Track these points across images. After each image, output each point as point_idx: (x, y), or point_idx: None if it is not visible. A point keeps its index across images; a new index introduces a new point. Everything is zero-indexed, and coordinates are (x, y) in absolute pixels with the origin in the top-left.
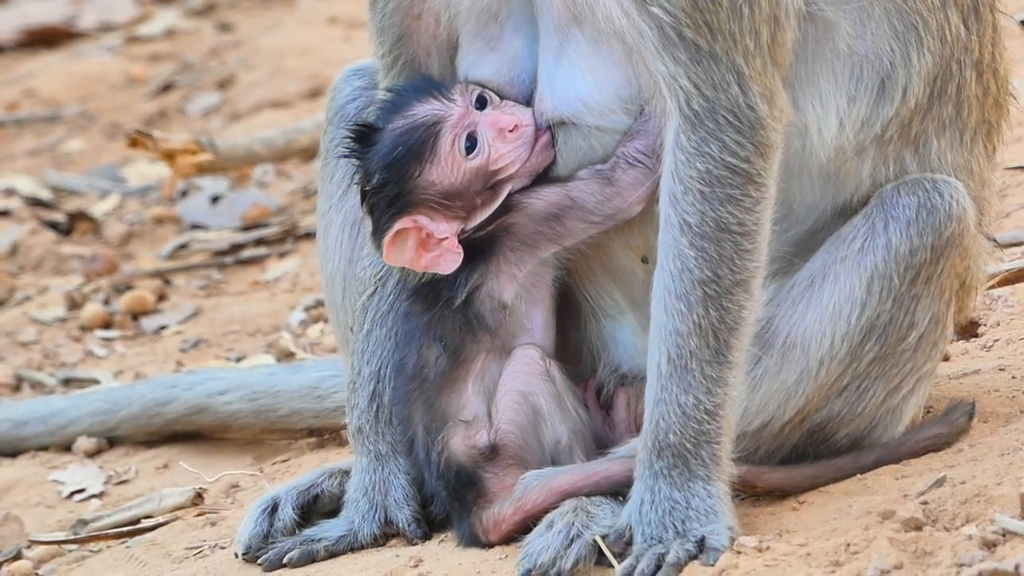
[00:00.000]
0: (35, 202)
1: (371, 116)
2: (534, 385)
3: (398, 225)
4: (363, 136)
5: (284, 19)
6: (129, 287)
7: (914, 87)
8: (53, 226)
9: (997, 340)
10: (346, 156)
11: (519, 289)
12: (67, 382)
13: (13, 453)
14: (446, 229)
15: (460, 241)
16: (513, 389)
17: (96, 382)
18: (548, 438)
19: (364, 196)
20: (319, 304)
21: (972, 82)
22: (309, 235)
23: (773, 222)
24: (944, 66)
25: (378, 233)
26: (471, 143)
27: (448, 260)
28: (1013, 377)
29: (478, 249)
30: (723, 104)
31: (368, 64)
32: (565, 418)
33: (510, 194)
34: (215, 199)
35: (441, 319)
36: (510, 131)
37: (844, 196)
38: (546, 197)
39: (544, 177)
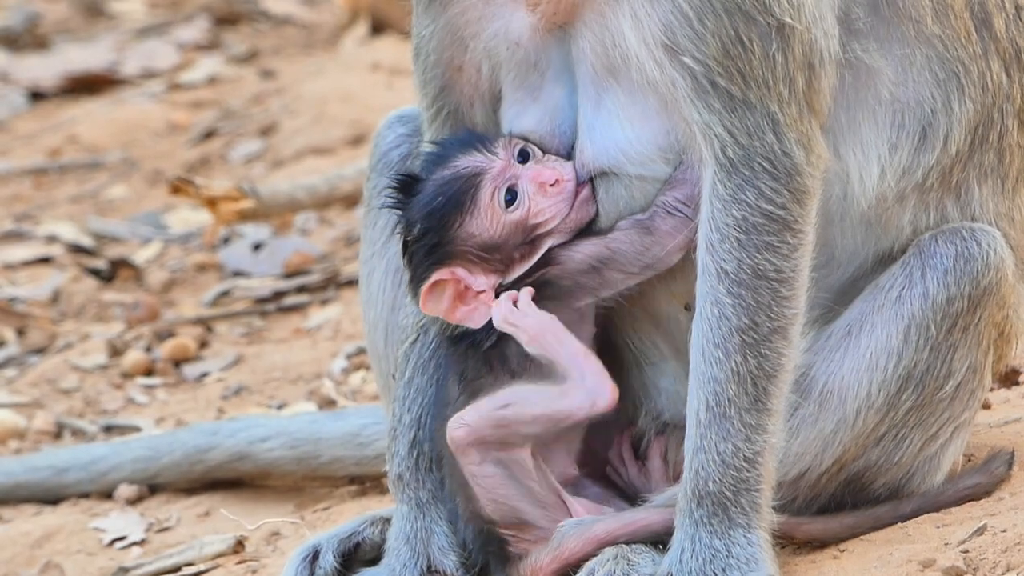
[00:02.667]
0: (77, 249)
1: (415, 166)
2: (476, 454)
3: (436, 276)
4: (406, 186)
5: (326, 66)
6: (171, 334)
7: (955, 135)
8: (95, 273)
9: None
10: (389, 207)
11: None
12: (108, 429)
13: (54, 500)
14: (483, 283)
15: (500, 288)
16: (473, 478)
17: (137, 429)
18: (531, 484)
19: (405, 246)
20: (361, 352)
21: (1014, 130)
22: (351, 282)
23: (813, 269)
24: (986, 114)
25: (416, 282)
26: (512, 196)
27: (482, 314)
28: None
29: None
30: (758, 151)
31: (411, 111)
32: (517, 427)
33: (549, 249)
34: (257, 246)
35: (465, 356)
36: (551, 185)
37: (885, 243)
38: (585, 250)
39: (586, 231)
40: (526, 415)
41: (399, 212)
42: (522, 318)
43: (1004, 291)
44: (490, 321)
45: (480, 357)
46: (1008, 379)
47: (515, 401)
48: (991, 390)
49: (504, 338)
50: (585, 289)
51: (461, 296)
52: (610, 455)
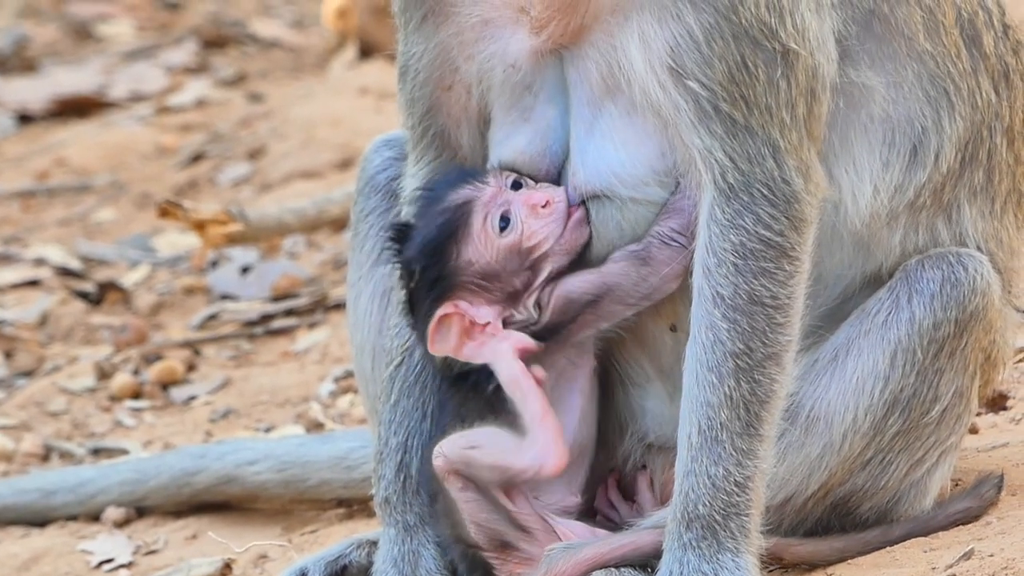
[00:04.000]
0: (65, 272)
1: (405, 208)
2: (458, 481)
3: (441, 311)
4: (402, 235)
5: (315, 89)
6: (159, 357)
7: (946, 152)
8: (83, 296)
9: None
10: (389, 262)
11: (555, 375)
12: (96, 452)
13: (42, 523)
14: (488, 314)
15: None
16: (458, 503)
17: (125, 452)
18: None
19: (409, 295)
20: (349, 375)
21: (1003, 148)
22: (339, 306)
23: (805, 296)
24: (975, 132)
25: (422, 323)
26: (504, 222)
27: (491, 349)
28: None
29: None
30: (758, 178)
31: (398, 135)
32: (484, 472)
33: (548, 280)
34: (245, 269)
35: (467, 400)
36: (543, 207)
37: (874, 264)
38: (582, 284)
39: (582, 256)
40: (486, 461)
41: (399, 263)
42: (501, 361)
43: (990, 316)
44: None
45: (483, 401)
46: (995, 403)
47: (483, 444)
48: (978, 415)
49: None
50: (585, 323)
51: (467, 331)
52: (597, 504)
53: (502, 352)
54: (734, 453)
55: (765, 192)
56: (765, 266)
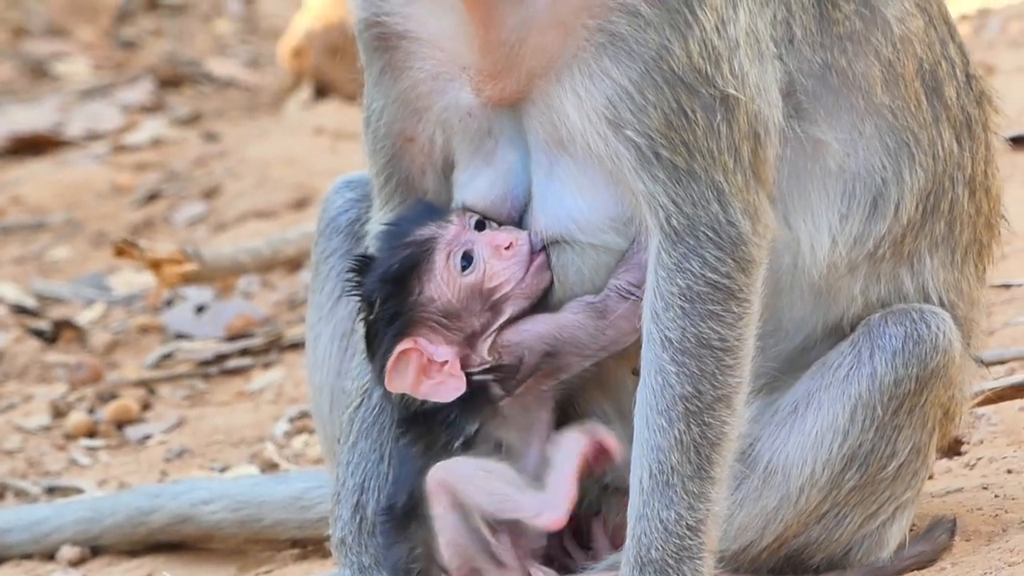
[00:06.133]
0: (20, 310)
1: (370, 246)
2: (444, 497)
3: (400, 346)
4: (363, 267)
5: (270, 129)
6: (114, 396)
7: (907, 204)
8: (38, 334)
9: (980, 458)
10: (348, 293)
11: (517, 428)
12: (51, 490)
13: None
14: (446, 352)
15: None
16: (437, 520)
17: (80, 491)
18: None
19: (368, 327)
20: (303, 415)
21: (964, 199)
22: (294, 346)
23: (760, 338)
24: (937, 183)
25: (380, 359)
26: (467, 261)
27: (448, 388)
28: (996, 496)
29: (473, 392)
30: (703, 221)
31: (360, 176)
32: (479, 497)
33: (506, 323)
34: (200, 309)
35: (427, 443)
36: (506, 248)
37: (835, 314)
38: (539, 332)
39: (542, 301)
40: (491, 488)
41: (358, 295)
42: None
43: (951, 372)
44: (456, 420)
45: (444, 446)
46: (950, 449)
47: (495, 472)
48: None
49: (473, 438)
50: (543, 372)
51: (425, 369)
52: (552, 552)
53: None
54: (686, 496)
55: (711, 235)
56: (712, 309)
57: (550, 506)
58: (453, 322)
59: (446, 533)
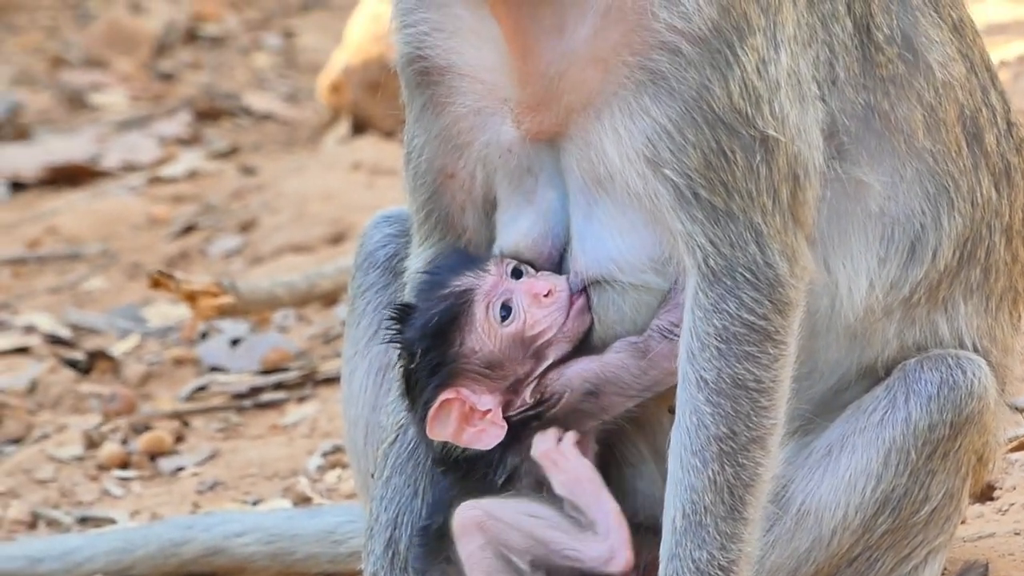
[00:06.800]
0: (55, 340)
1: (407, 290)
2: (480, 538)
3: (442, 396)
4: (403, 315)
5: (307, 163)
6: (147, 427)
7: (944, 250)
8: (72, 364)
9: (1013, 504)
10: (388, 341)
11: None
12: (83, 520)
13: None
14: (489, 401)
15: (506, 419)
16: (468, 560)
17: (112, 521)
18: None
19: (408, 376)
20: (337, 450)
21: (1001, 247)
22: (329, 380)
23: (795, 379)
24: (974, 230)
25: (422, 407)
26: (506, 311)
27: (490, 435)
28: None
29: (517, 427)
30: (741, 262)
31: (398, 211)
32: (524, 542)
33: (550, 368)
34: (235, 342)
35: (474, 492)
36: (545, 296)
37: (870, 356)
38: (582, 373)
39: (584, 342)
40: (543, 534)
41: (399, 344)
42: (563, 459)
43: (986, 419)
44: (498, 457)
45: (490, 494)
46: (983, 494)
47: (541, 515)
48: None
49: (514, 474)
50: (586, 413)
51: (467, 418)
52: None
53: (565, 450)
54: (718, 537)
55: (748, 276)
56: (748, 350)
57: (616, 549)
58: (496, 371)
59: (478, 573)
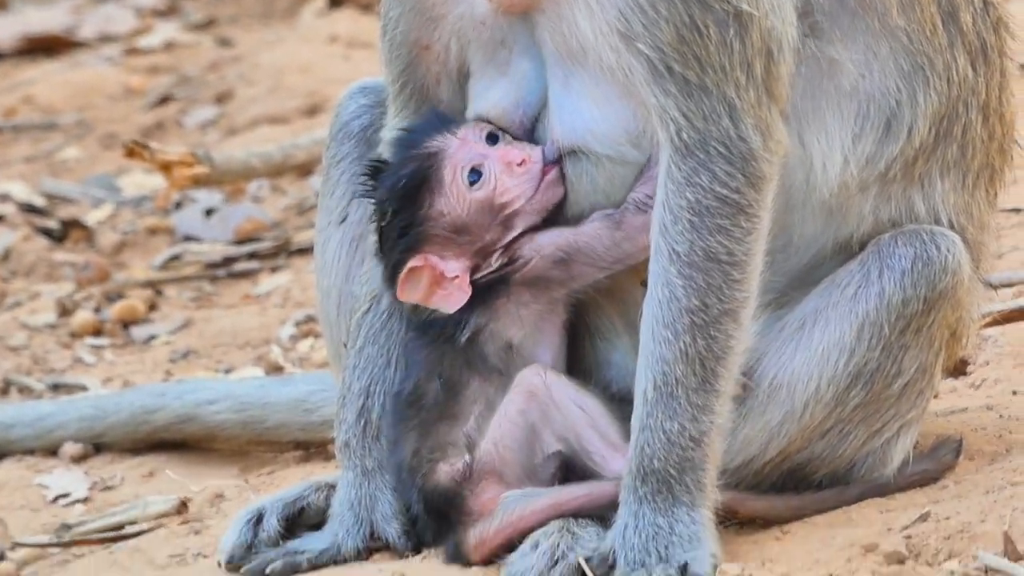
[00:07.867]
0: (29, 208)
1: (381, 147)
2: (526, 403)
3: (411, 263)
4: (376, 172)
5: (284, 36)
6: (120, 296)
7: (919, 127)
8: (46, 233)
9: (985, 379)
10: (362, 196)
11: (526, 330)
12: (55, 387)
13: None
14: (456, 267)
15: (471, 282)
16: (504, 412)
17: (84, 389)
18: (540, 454)
19: (380, 234)
20: (309, 319)
21: (978, 125)
22: (302, 251)
23: (770, 253)
24: (950, 107)
25: (391, 270)
26: (476, 176)
27: (456, 298)
28: (1000, 416)
29: (484, 289)
30: (714, 135)
31: (374, 82)
32: (564, 428)
33: (519, 236)
34: (209, 212)
35: (443, 355)
36: (518, 164)
37: (845, 232)
38: (554, 240)
39: (556, 213)
40: (582, 430)
41: (372, 200)
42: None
43: (959, 294)
44: (464, 316)
45: (458, 356)
46: (957, 369)
47: (589, 411)
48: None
49: (479, 334)
50: (556, 280)
51: (437, 282)
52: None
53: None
54: (689, 408)
55: (721, 150)
56: (721, 223)
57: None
58: (463, 236)
59: (500, 431)
